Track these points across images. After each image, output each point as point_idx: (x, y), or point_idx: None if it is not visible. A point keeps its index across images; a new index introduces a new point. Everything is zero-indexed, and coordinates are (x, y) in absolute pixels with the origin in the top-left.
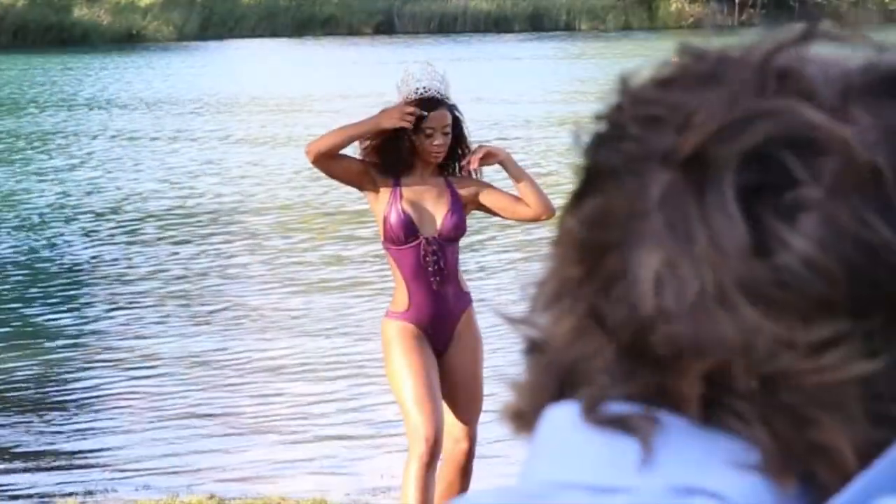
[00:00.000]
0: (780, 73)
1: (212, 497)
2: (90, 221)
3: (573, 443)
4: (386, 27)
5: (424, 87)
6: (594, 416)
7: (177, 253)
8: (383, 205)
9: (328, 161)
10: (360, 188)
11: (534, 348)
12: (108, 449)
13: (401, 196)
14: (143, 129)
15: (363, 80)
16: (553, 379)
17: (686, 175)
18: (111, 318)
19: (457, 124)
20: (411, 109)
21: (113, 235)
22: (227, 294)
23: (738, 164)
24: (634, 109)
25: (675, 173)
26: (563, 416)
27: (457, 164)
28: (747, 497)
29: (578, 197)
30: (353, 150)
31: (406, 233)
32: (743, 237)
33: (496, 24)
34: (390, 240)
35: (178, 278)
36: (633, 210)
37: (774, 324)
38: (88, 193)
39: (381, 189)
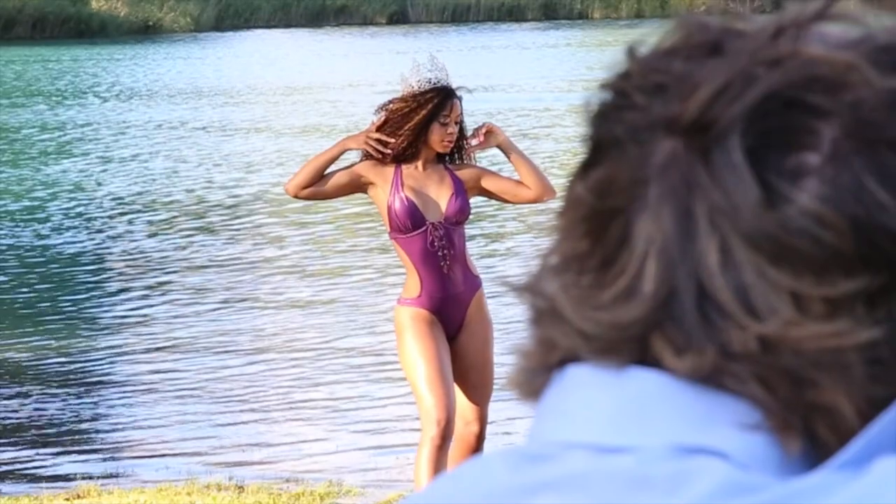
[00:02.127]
0: (787, 49)
1: (231, 479)
2: (112, 211)
3: (578, 404)
4: (400, 17)
5: (436, 78)
6: (599, 376)
7: (200, 240)
8: (386, 196)
9: (310, 192)
10: (360, 192)
11: (540, 316)
12: (128, 432)
13: (403, 185)
14: (159, 118)
15: (378, 68)
16: (558, 345)
17: (690, 140)
18: (137, 304)
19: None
20: (376, 136)
21: (133, 223)
22: (249, 282)
23: (742, 126)
24: (639, 78)
25: (679, 139)
26: (568, 379)
27: (457, 153)
28: (751, 455)
29: (585, 167)
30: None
31: (412, 220)
32: (753, 192)
33: (509, 13)
34: (397, 229)
35: (202, 267)
36: (636, 178)
37: (788, 277)
38: (115, 183)
39: (381, 182)
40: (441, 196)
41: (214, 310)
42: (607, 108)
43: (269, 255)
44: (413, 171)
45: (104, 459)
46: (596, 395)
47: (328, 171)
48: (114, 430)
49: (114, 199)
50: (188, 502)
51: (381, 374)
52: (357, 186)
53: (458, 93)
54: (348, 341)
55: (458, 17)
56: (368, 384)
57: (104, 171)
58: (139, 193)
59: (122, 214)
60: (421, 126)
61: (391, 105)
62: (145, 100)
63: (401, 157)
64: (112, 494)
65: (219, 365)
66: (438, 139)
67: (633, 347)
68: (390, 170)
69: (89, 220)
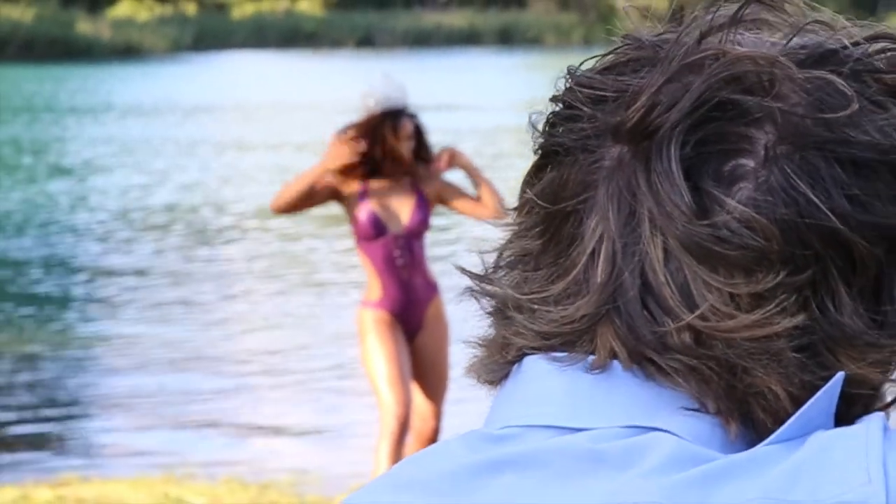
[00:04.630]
0: (712, 50)
1: (204, 470)
2: (104, 223)
3: (534, 392)
4: (366, 41)
5: (391, 96)
6: (553, 366)
7: (180, 249)
8: (353, 207)
9: (293, 209)
10: (332, 201)
11: (495, 313)
12: (108, 425)
13: (368, 197)
14: (137, 134)
15: (346, 89)
16: (513, 340)
17: (635, 146)
18: (117, 301)
19: (418, 131)
20: (345, 148)
21: (113, 235)
22: (222, 284)
23: (681, 134)
24: (584, 91)
25: (625, 146)
26: (525, 370)
27: (421, 167)
28: (696, 437)
29: (537, 171)
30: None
31: (375, 230)
32: (685, 201)
33: (468, 39)
34: (361, 237)
35: (177, 270)
36: (586, 181)
37: (719, 277)
38: (104, 194)
39: (350, 194)
40: (404, 209)
41: (191, 306)
42: (556, 119)
43: (243, 263)
44: (379, 184)
45: (85, 451)
46: (551, 384)
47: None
48: (94, 424)
49: (89, 211)
50: (164, 492)
51: (348, 371)
52: (329, 197)
53: (409, 111)
54: (319, 340)
55: (420, 41)
56: (337, 380)
57: (83, 183)
58: (116, 209)
59: (104, 228)
60: (375, 146)
61: (348, 130)
62: (125, 116)
63: (366, 173)
64: (92, 485)
65: (195, 359)
66: (393, 156)
67: (583, 340)
68: (357, 182)
69: (71, 231)
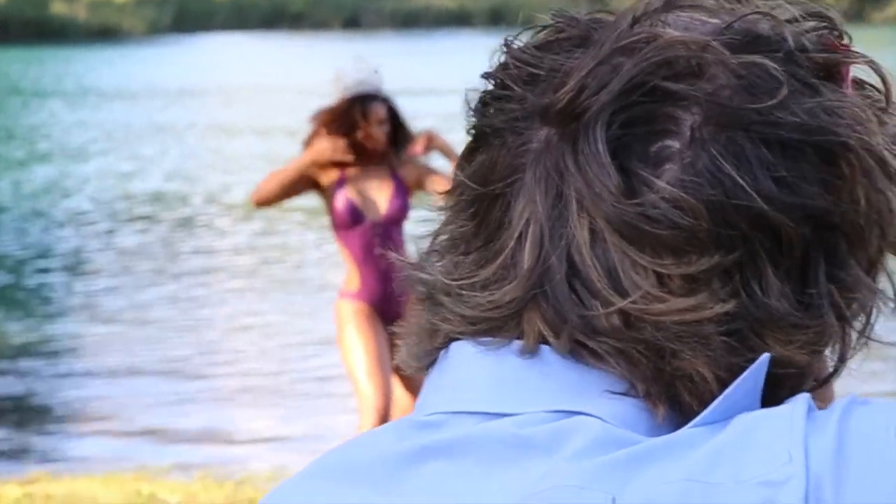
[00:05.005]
0: (644, 34)
1: (178, 465)
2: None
3: (462, 378)
4: (352, 22)
5: (363, 81)
6: (480, 352)
7: (163, 241)
8: (331, 195)
9: (272, 203)
10: (310, 190)
11: (425, 300)
12: (79, 421)
13: (346, 185)
14: (117, 118)
15: (331, 72)
16: (441, 327)
17: (562, 128)
18: (91, 295)
19: (393, 115)
20: (337, 151)
21: (95, 221)
22: (202, 272)
23: (608, 116)
24: (516, 70)
25: (552, 128)
26: (452, 356)
27: (399, 151)
28: (622, 420)
29: (469, 153)
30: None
31: (352, 218)
32: (614, 181)
33: (458, 20)
34: (339, 226)
35: (155, 259)
36: (515, 164)
37: (649, 258)
38: (77, 181)
39: (327, 183)
40: (382, 196)
41: (167, 299)
42: (488, 98)
43: (225, 248)
44: (356, 171)
45: (55, 447)
46: (478, 370)
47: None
48: (65, 418)
49: (67, 197)
50: (136, 489)
51: (327, 361)
52: (307, 186)
53: (382, 95)
54: (297, 327)
55: (408, 22)
56: (316, 372)
57: (61, 170)
58: (97, 193)
59: (83, 216)
60: (347, 132)
61: (321, 115)
62: (105, 100)
63: (343, 160)
64: (62, 482)
65: (170, 352)
66: (366, 142)
67: (511, 324)
68: (335, 170)
69: (50, 218)
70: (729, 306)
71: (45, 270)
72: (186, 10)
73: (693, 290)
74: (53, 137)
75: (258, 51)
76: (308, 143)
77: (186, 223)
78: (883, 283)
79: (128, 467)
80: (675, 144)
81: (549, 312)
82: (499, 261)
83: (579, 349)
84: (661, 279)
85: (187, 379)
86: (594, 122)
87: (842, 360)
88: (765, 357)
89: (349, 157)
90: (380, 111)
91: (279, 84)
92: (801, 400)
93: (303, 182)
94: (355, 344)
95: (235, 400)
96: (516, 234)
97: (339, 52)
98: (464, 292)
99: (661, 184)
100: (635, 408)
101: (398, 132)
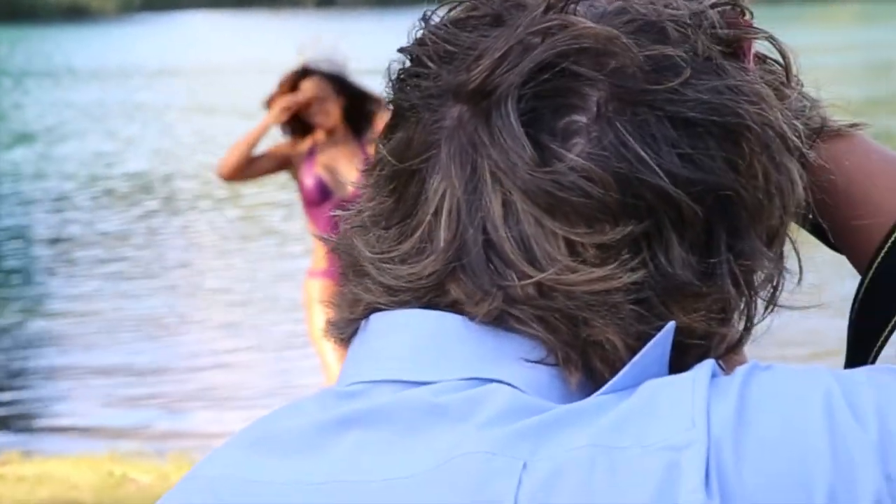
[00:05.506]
0: (557, 21)
1: (152, 448)
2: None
3: (381, 348)
4: (327, 1)
5: (322, 58)
6: (399, 322)
7: (145, 220)
8: (300, 171)
9: (240, 173)
10: (282, 169)
11: (348, 271)
12: (51, 401)
13: (316, 161)
14: (89, 98)
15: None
16: (363, 297)
17: (474, 105)
18: (63, 281)
19: (346, 88)
20: (282, 102)
21: (65, 201)
22: (174, 257)
23: (518, 91)
24: (432, 46)
25: (465, 105)
26: (372, 326)
27: (361, 129)
28: (535, 387)
29: (388, 129)
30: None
31: (321, 195)
32: (527, 151)
33: None
34: (307, 203)
35: (129, 244)
36: (430, 140)
37: (562, 226)
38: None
39: (298, 159)
40: (352, 172)
41: (138, 285)
42: (405, 74)
43: (198, 229)
44: (327, 147)
45: (27, 428)
46: (397, 339)
47: (258, 155)
48: (37, 399)
49: (40, 179)
50: (108, 470)
51: (299, 346)
52: (279, 165)
53: (331, 72)
54: (272, 315)
55: (385, 0)
56: (288, 359)
57: (39, 151)
58: (71, 174)
59: (57, 199)
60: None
61: (275, 91)
62: (79, 80)
63: (304, 135)
64: (34, 463)
65: (142, 337)
66: (315, 117)
67: (431, 295)
68: (306, 146)
69: (23, 200)
70: (637, 276)
71: (21, 253)
72: None
73: (604, 259)
74: (30, 118)
75: (232, 30)
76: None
77: (167, 205)
78: (789, 253)
79: (100, 448)
80: (582, 119)
81: (467, 284)
82: (416, 235)
83: (502, 316)
84: (573, 248)
85: (165, 363)
86: (506, 97)
87: (747, 328)
88: (671, 325)
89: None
90: (313, 87)
91: (254, 63)
92: (705, 366)
93: (274, 159)
94: (322, 322)
95: (208, 383)
96: (432, 209)
97: (313, 31)
98: (384, 265)
99: (570, 156)
100: (548, 375)
101: (357, 109)
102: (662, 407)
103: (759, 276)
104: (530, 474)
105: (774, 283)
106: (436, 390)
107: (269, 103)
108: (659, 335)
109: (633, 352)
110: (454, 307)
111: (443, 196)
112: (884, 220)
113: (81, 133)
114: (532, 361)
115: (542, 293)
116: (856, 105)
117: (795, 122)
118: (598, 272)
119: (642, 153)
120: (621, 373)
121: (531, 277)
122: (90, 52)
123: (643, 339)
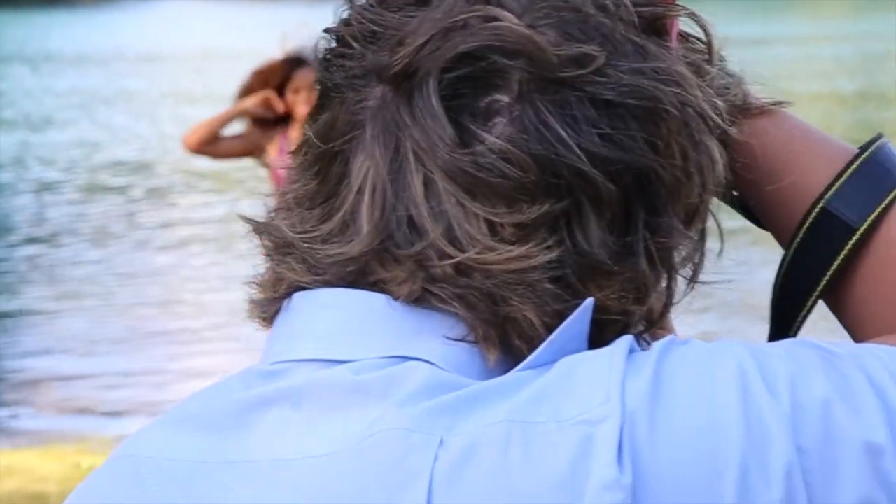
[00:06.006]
0: (480, 13)
1: (120, 439)
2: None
3: (303, 326)
4: None
5: (302, 48)
6: (321, 301)
7: (106, 203)
8: (272, 159)
9: (207, 147)
10: (251, 156)
11: (272, 251)
12: (16, 391)
13: (287, 151)
14: (70, 84)
15: (299, 39)
16: (286, 277)
17: (397, 87)
18: (35, 264)
19: None
20: (265, 95)
21: (48, 190)
22: (143, 237)
23: (439, 74)
24: (357, 26)
25: (388, 86)
26: (295, 305)
27: None
28: (454, 364)
29: (315, 111)
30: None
31: None
32: (448, 132)
33: None
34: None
35: (99, 226)
36: (353, 121)
37: (482, 206)
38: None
39: (270, 148)
40: None
41: (131, 272)
42: (330, 55)
43: (174, 216)
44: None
45: None
46: (319, 318)
47: (225, 134)
48: (2, 391)
49: (32, 166)
50: (75, 462)
51: None
52: (248, 151)
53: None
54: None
55: None
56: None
57: (25, 138)
58: (63, 162)
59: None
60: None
61: (251, 78)
62: (64, 66)
63: (282, 125)
64: (0, 454)
65: (110, 324)
66: (296, 107)
67: (355, 276)
68: (277, 136)
69: (13, 188)
70: (555, 254)
71: (7, 242)
72: None
73: (523, 238)
74: (16, 104)
75: (213, 17)
76: (241, 96)
77: (154, 193)
78: (710, 230)
79: (68, 440)
80: (504, 98)
81: (391, 264)
82: (339, 215)
83: (424, 295)
84: (492, 227)
85: (140, 354)
86: (427, 78)
87: (667, 304)
88: (588, 302)
89: (272, 114)
90: (305, 79)
91: (237, 51)
92: (623, 342)
93: (244, 143)
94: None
95: (179, 372)
96: (356, 188)
97: (301, 20)
98: (306, 245)
99: (490, 137)
100: (467, 352)
101: None
102: (579, 382)
103: (678, 254)
104: (447, 449)
105: (695, 261)
106: (356, 368)
107: (245, 89)
108: (577, 312)
109: (551, 329)
110: (378, 286)
111: (366, 175)
112: (805, 195)
113: (64, 121)
114: (452, 339)
115: (461, 272)
116: (849, 97)
117: (716, 100)
118: (517, 251)
119: (562, 133)
120: (539, 349)
121: (452, 257)
122: (70, 38)
123: (561, 316)
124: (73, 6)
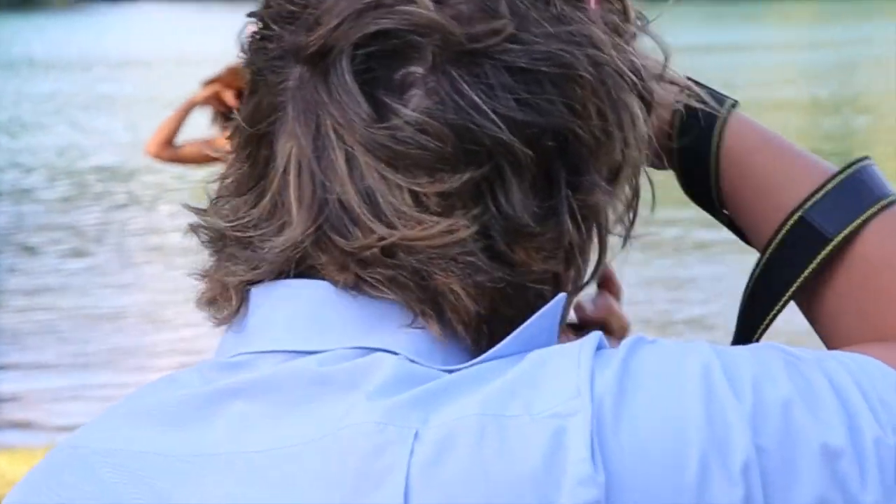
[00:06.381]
0: None
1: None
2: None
3: (262, 319)
4: None
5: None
6: (276, 294)
7: (78, 207)
8: None
9: (169, 154)
10: (216, 162)
11: (213, 245)
12: None
13: None
14: (42, 89)
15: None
16: (232, 269)
17: (313, 66)
18: (8, 270)
19: None
20: (212, 90)
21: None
22: (119, 247)
23: (352, 51)
24: (277, 8)
25: (304, 66)
26: (251, 300)
27: None
28: (416, 352)
29: (245, 97)
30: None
31: None
32: (364, 108)
33: None
34: None
35: (77, 234)
36: (275, 102)
37: (404, 178)
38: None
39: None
40: None
41: (110, 281)
42: (253, 38)
43: (144, 221)
44: None
45: None
46: (278, 310)
47: (192, 141)
48: None
49: (9, 171)
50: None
51: None
52: (213, 157)
53: None
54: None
55: None
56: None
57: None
58: (32, 167)
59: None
60: (238, 95)
61: (213, 81)
62: (35, 71)
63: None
64: None
65: (84, 329)
66: None
67: (295, 265)
68: None
69: None
70: (481, 221)
71: None
72: None
73: (448, 207)
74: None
75: (190, 21)
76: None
77: (135, 199)
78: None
79: (37, 443)
80: (419, 70)
81: (327, 249)
82: (267, 198)
83: (361, 282)
84: (417, 199)
85: (100, 356)
86: (341, 56)
87: (598, 264)
88: (560, 297)
89: (224, 109)
90: None
91: (214, 55)
92: (592, 338)
93: (208, 152)
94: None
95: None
96: (281, 170)
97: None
98: (238, 234)
99: (405, 110)
100: (428, 339)
101: None
102: (549, 376)
103: (610, 213)
104: (422, 443)
105: (627, 222)
106: (321, 360)
107: (211, 84)
108: (547, 307)
109: (478, 300)
110: (320, 274)
111: (290, 156)
112: (786, 209)
113: (42, 126)
114: (412, 327)
115: (388, 253)
116: (822, 103)
117: (635, 58)
118: (442, 223)
119: (477, 100)
120: (507, 340)
121: (376, 234)
122: (44, 42)
123: (492, 283)
124: (46, 10)
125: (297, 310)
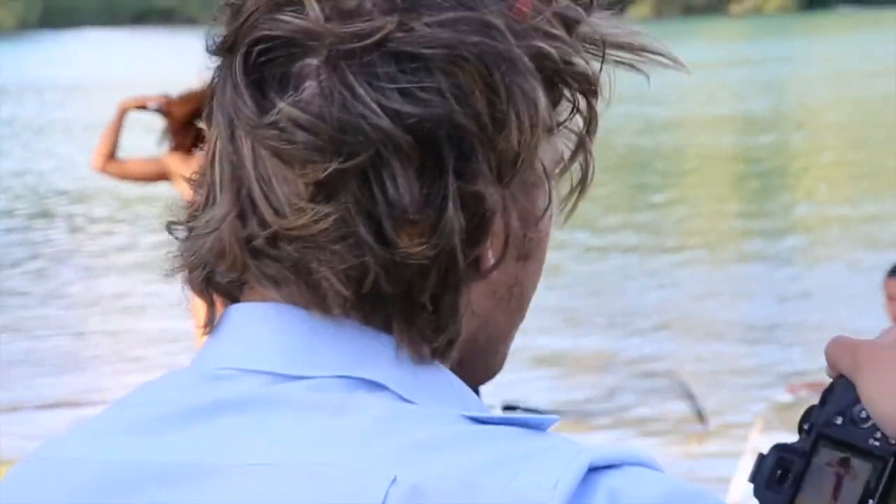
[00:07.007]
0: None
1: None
2: None
3: (247, 337)
4: None
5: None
6: (261, 316)
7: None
8: (186, 187)
9: (116, 169)
10: (164, 180)
11: (180, 237)
12: None
13: None
14: None
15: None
16: (197, 267)
17: (224, 61)
18: None
19: None
20: (140, 97)
21: None
22: (85, 263)
23: (247, 48)
24: (223, 1)
25: (223, 59)
26: (234, 316)
27: None
28: (401, 384)
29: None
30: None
31: None
32: (250, 103)
33: None
34: None
35: (38, 255)
36: (212, 94)
37: (287, 168)
38: None
39: (187, 174)
40: None
41: (66, 285)
42: (210, 34)
43: (101, 246)
44: None
45: None
46: (260, 331)
47: (141, 157)
48: None
49: None
50: None
51: None
52: (162, 175)
53: None
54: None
55: None
56: None
57: None
58: None
59: None
60: (193, 121)
61: (173, 102)
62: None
63: (192, 150)
64: None
65: (62, 334)
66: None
67: (228, 265)
68: (195, 162)
69: None
70: (365, 209)
71: None
72: (55, 6)
73: (332, 195)
74: None
75: (131, 47)
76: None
77: (95, 221)
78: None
79: (10, 459)
80: (313, 62)
81: (239, 236)
82: (205, 187)
83: (250, 276)
84: (302, 189)
85: (73, 397)
86: (238, 52)
87: (503, 250)
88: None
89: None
90: None
91: (157, 80)
92: (588, 452)
93: (155, 168)
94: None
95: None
96: (210, 158)
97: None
98: (191, 224)
99: (283, 105)
100: (412, 371)
101: None
102: (536, 460)
103: (499, 204)
104: (398, 488)
105: (544, 208)
106: (310, 386)
107: (165, 106)
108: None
109: (351, 283)
110: (241, 276)
111: (215, 145)
112: None
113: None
114: (395, 358)
115: (271, 243)
116: (760, 119)
117: (541, 43)
118: (326, 209)
119: (361, 91)
120: (488, 413)
121: (269, 224)
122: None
123: (355, 273)
124: None
125: (279, 333)
